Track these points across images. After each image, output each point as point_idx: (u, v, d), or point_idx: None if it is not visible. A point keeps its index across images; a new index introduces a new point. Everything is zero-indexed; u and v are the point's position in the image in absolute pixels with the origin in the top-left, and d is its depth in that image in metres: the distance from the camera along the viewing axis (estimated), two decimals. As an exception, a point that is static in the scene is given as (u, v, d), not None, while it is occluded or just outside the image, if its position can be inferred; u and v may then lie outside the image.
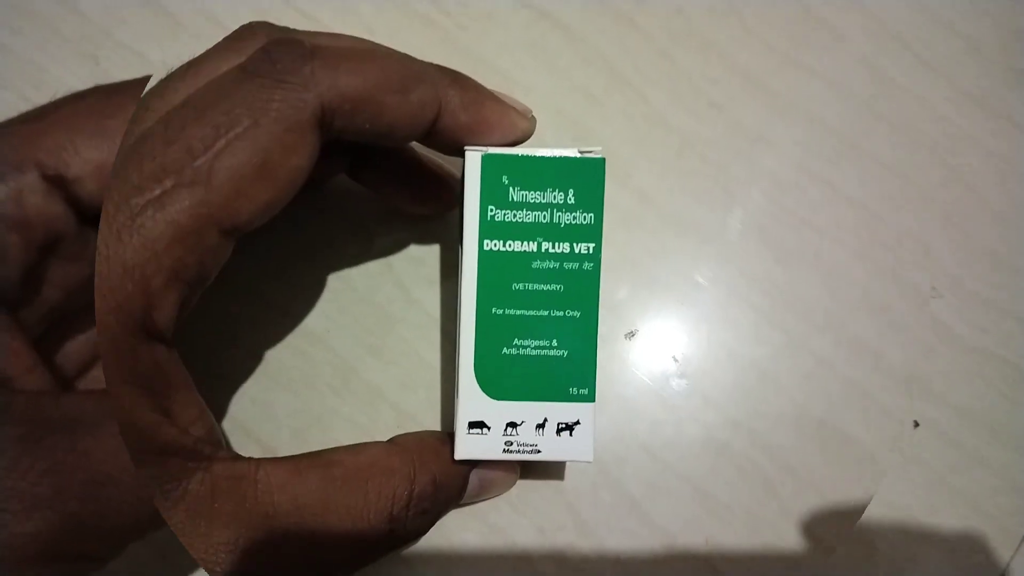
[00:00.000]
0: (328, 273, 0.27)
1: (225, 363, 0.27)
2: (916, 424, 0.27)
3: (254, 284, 0.27)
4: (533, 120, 0.22)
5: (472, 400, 0.21)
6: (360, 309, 0.27)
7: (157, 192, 0.17)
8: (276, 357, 0.27)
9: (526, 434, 0.21)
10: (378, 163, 0.24)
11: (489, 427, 0.21)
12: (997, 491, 0.27)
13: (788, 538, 0.26)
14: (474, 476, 0.23)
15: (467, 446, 0.21)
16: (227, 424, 0.26)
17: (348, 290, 0.27)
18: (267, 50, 0.18)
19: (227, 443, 0.20)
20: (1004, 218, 0.28)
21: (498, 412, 0.21)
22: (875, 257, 0.28)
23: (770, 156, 0.28)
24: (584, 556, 0.26)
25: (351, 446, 0.21)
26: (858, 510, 0.27)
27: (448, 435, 0.23)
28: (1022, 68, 0.29)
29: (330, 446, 0.26)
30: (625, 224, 0.28)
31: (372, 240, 0.28)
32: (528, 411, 0.21)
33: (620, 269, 0.28)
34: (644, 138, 0.28)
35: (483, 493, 0.24)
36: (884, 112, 0.29)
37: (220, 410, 0.26)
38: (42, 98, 0.20)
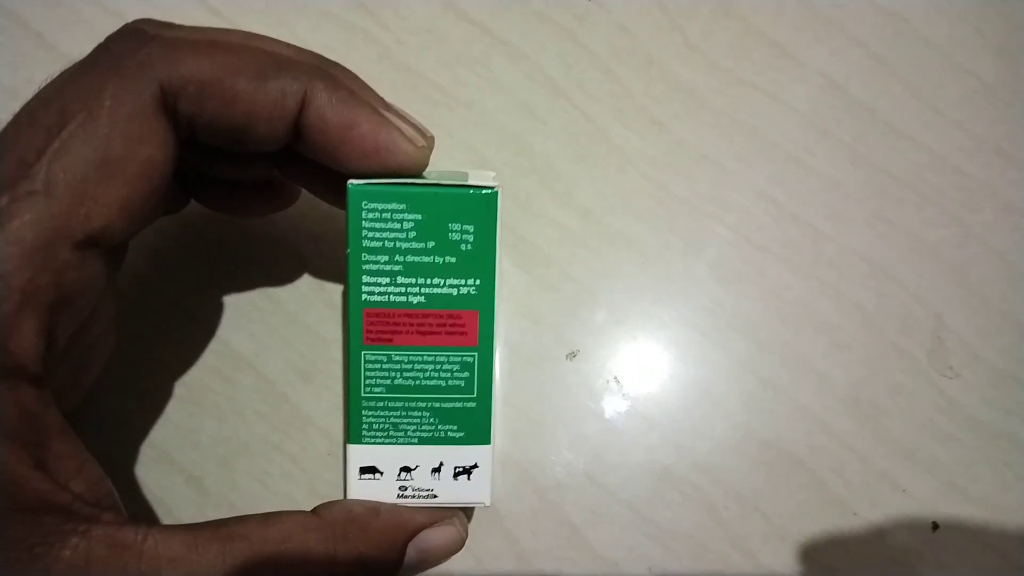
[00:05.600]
0: (257, 293, 0.26)
1: (147, 386, 0.26)
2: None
3: (177, 302, 0.26)
4: (423, 148, 0.19)
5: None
6: (290, 331, 0.26)
7: None
8: (201, 381, 0.26)
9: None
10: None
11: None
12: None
13: (733, 565, 0.26)
14: (411, 549, 0.20)
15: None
16: (149, 451, 0.25)
17: (278, 311, 0.26)
18: (105, 41, 0.17)
19: (118, 503, 0.18)
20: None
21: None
22: (820, 275, 0.28)
23: (713, 174, 0.28)
24: (523, 585, 0.25)
25: (264, 515, 0.18)
26: (804, 535, 0.26)
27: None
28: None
29: (258, 475, 0.26)
30: (566, 242, 0.27)
31: (303, 259, 0.27)
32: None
33: (562, 288, 0.27)
34: (586, 155, 0.28)
35: (424, 565, 0.21)
36: (829, 127, 0.28)
37: (141, 436, 0.25)
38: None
